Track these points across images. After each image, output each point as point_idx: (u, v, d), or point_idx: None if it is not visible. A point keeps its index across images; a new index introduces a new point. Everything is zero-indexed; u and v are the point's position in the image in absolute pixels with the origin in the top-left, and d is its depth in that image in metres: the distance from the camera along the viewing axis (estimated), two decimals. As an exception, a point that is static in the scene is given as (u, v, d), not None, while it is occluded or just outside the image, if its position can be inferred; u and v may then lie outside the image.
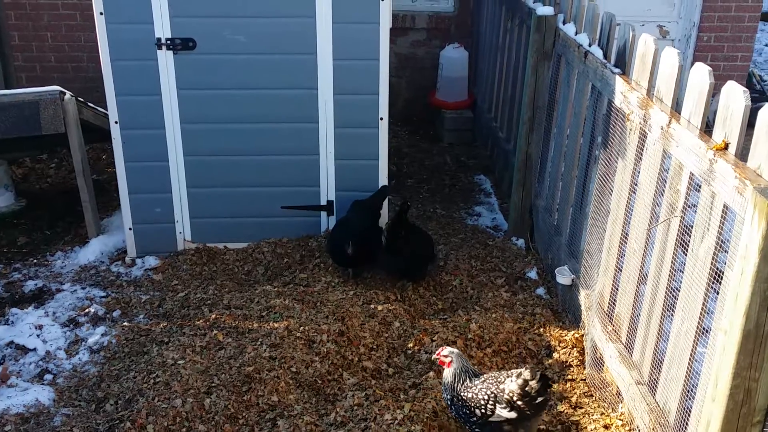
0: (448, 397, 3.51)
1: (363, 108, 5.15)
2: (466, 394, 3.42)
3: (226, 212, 5.41)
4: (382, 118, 5.18)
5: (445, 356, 3.54)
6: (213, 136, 5.18)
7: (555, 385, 4.04)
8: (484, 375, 3.51)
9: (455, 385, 3.47)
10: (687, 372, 3.08)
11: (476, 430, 3.44)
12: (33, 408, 3.90)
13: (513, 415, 3.30)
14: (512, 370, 3.45)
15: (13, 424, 3.78)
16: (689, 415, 3.01)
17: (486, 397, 3.35)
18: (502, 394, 3.33)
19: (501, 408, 3.31)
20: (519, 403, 3.30)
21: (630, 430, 3.61)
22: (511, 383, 3.34)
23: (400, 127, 8.30)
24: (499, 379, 3.40)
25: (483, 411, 3.34)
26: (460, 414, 3.45)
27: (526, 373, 3.32)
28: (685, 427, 3.05)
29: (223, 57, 5.00)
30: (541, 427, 3.74)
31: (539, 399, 3.33)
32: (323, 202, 5.41)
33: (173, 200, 5.31)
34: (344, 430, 3.65)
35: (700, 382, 2.92)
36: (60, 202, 6.37)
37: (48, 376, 4.20)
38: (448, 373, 3.51)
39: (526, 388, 3.30)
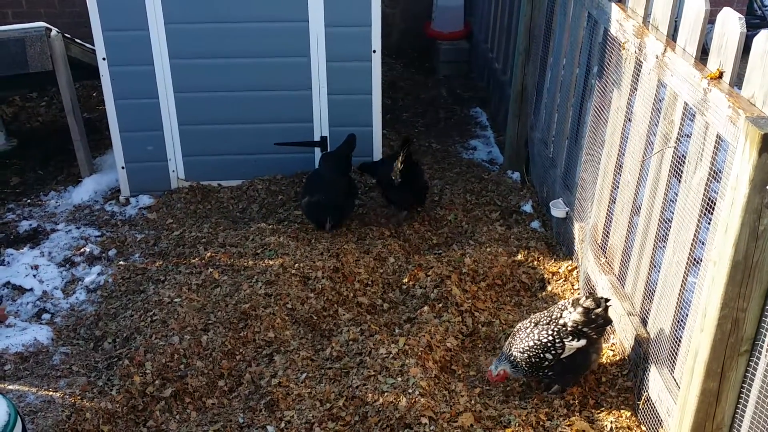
0: (508, 366, 3.50)
1: (355, 40, 5.05)
2: (526, 344, 3.42)
3: (219, 150, 5.36)
4: (375, 51, 5.08)
5: (497, 376, 3.54)
6: (203, 72, 5.09)
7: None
8: (522, 326, 3.51)
9: (511, 351, 3.48)
10: (678, 302, 3.09)
11: (549, 373, 3.45)
12: (32, 347, 3.95)
13: (583, 343, 3.37)
14: (561, 303, 3.50)
15: (12, 363, 3.83)
16: (679, 345, 3.04)
17: (551, 338, 3.38)
18: (565, 328, 3.37)
19: (570, 341, 3.36)
20: (585, 330, 3.36)
21: (621, 360, 3.65)
22: (571, 315, 3.38)
23: (394, 60, 8.15)
24: (552, 318, 3.43)
25: (553, 351, 3.37)
26: (532, 365, 3.42)
27: (588, 302, 3.38)
28: (675, 357, 3.08)
29: (211, -10, 4.88)
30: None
31: (604, 322, 3.40)
32: (317, 138, 5.36)
33: (165, 138, 5.25)
34: (340, 364, 3.70)
35: (690, 313, 2.93)
36: (52, 142, 6.32)
37: (46, 316, 4.24)
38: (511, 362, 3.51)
39: (591, 315, 3.36)
